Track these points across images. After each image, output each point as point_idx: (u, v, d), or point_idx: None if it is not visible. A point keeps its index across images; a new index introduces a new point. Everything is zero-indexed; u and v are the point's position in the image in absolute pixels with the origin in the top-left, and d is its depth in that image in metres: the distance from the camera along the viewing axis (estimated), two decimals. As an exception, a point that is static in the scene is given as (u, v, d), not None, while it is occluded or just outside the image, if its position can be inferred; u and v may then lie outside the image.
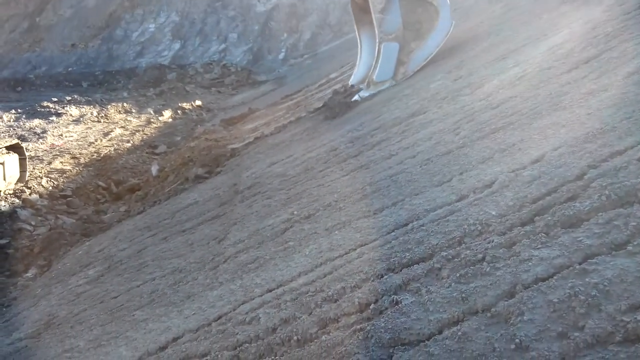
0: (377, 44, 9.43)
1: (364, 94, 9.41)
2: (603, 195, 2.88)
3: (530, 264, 2.63)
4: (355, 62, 11.17)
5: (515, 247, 2.82)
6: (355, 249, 3.66)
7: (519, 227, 2.99)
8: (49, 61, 26.62)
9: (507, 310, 2.38)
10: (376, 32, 9.45)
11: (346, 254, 3.66)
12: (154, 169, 10.61)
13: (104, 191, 10.11)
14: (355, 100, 9.26)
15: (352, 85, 10.43)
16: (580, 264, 2.48)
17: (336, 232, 4.14)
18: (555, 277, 2.46)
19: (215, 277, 4.33)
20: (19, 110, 16.52)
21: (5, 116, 15.61)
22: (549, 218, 2.93)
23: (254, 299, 3.63)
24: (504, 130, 4.64)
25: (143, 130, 14.28)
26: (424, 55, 9.37)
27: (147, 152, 12.51)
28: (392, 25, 9.23)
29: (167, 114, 15.90)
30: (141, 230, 6.77)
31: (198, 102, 17.65)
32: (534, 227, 2.92)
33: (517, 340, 2.19)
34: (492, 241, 2.95)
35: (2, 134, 13.62)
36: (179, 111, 16.35)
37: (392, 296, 2.84)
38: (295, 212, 5.00)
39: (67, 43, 27.52)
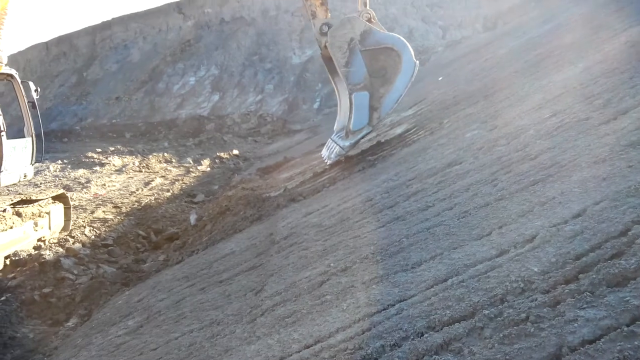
0: (348, 96, 9.81)
1: (344, 143, 9.71)
2: (650, 253, 2.80)
3: (576, 324, 2.55)
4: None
5: (559, 306, 2.75)
6: (394, 305, 3.62)
7: (562, 285, 2.92)
8: (95, 113, 27.91)
9: (554, 374, 2.31)
10: (345, 85, 9.86)
11: (384, 309, 3.63)
12: (192, 218, 10.83)
13: (143, 240, 10.34)
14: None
15: (336, 132, 11.00)
16: (628, 325, 2.40)
17: (374, 286, 4.11)
18: (602, 340, 2.38)
19: (253, 331, 4.33)
20: (65, 161, 17.28)
21: (52, 166, 16.32)
22: (594, 276, 2.86)
23: (291, 355, 3.60)
24: (543, 183, 4.60)
25: (182, 180, 14.66)
26: (394, 98, 9.68)
27: (185, 201, 12.80)
28: (358, 76, 9.61)
29: (205, 163, 16.31)
30: (179, 280, 6.85)
31: (235, 151, 18.10)
32: (579, 286, 2.85)
33: (565, 408, 2.11)
34: (536, 299, 2.89)
35: (48, 184, 14.20)
36: (216, 160, 16.78)
37: (434, 356, 2.79)
38: (331, 265, 5.00)
39: (112, 96, 28.86)
